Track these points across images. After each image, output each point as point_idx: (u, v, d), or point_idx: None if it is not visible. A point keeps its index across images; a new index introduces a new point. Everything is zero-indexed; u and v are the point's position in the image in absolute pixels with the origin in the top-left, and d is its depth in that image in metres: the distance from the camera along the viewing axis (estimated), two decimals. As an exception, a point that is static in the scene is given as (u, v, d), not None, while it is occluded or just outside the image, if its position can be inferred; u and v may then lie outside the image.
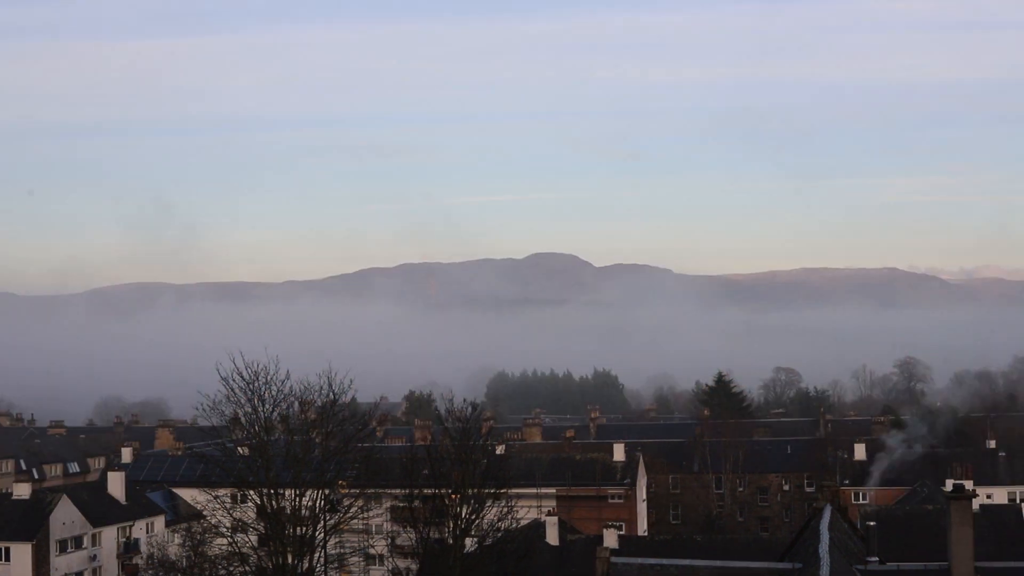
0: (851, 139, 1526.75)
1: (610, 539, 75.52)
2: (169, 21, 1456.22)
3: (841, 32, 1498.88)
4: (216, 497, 66.11)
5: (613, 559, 47.17)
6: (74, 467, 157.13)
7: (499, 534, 65.68)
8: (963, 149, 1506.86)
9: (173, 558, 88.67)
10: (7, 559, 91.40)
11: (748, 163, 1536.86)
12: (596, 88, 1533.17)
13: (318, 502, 64.88)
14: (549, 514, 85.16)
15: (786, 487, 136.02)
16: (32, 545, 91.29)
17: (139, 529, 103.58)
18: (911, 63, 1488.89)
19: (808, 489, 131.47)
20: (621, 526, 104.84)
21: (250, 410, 64.83)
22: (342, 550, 74.63)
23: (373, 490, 75.47)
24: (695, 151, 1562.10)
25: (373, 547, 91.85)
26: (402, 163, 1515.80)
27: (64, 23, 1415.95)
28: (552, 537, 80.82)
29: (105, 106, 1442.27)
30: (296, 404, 69.26)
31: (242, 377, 64.22)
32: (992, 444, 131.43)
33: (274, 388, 65.06)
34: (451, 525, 64.02)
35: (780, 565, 47.32)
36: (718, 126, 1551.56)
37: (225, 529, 65.71)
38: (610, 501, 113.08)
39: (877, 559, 49.84)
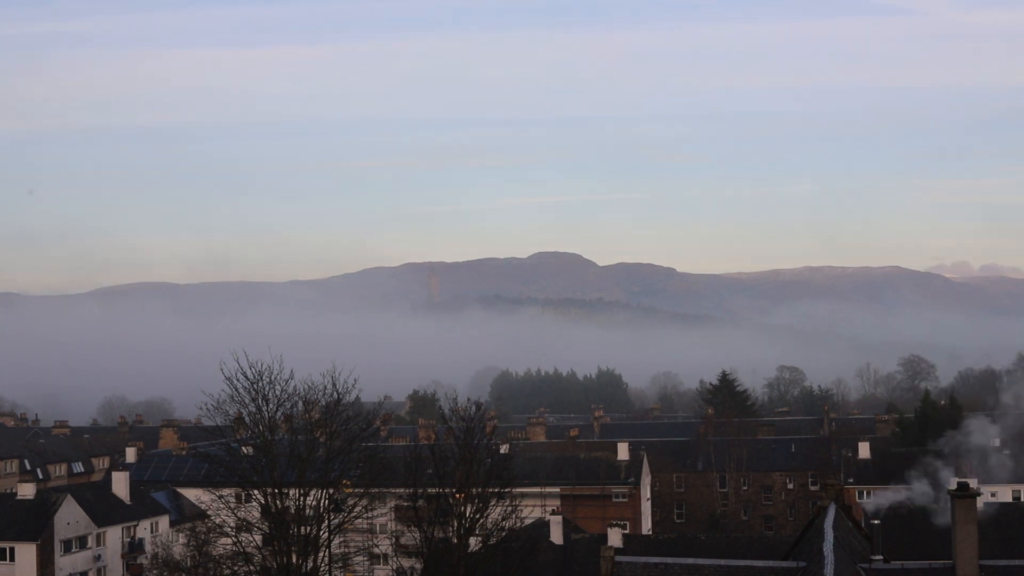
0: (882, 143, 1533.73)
1: (614, 538, 75.46)
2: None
3: (861, 42, 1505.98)
4: (220, 497, 66.16)
5: (618, 558, 47.11)
6: (78, 467, 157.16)
7: (503, 533, 65.67)
8: (984, 154, 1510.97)
9: (177, 558, 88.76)
10: (11, 559, 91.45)
11: (757, 165, 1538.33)
12: (612, 95, 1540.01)
13: (322, 502, 64.92)
14: (553, 513, 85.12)
15: (790, 486, 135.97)
16: (36, 545, 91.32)
17: (143, 529, 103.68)
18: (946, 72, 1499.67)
19: (812, 488, 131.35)
20: (625, 525, 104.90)
21: (254, 410, 64.88)
22: (346, 549, 74.76)
23: (377, 489, 75.49)
24: (702, 152, 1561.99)
25: (377, 546, 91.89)
26: (415, 166, 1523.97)
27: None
28: (556, 536, 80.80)
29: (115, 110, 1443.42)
30: (300, 404, 69.35)
31: (246, 377, 64.32)
32: (996, 442, 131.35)
33: (278, 388, 65.18)
34: (455, 524, 64.03)
35: (784, 564, 47.31)
36: (733, 129, 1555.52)
37: (229, 529, 65.77)
38: (614, 500, 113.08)
39: (881, 557, 49.83)
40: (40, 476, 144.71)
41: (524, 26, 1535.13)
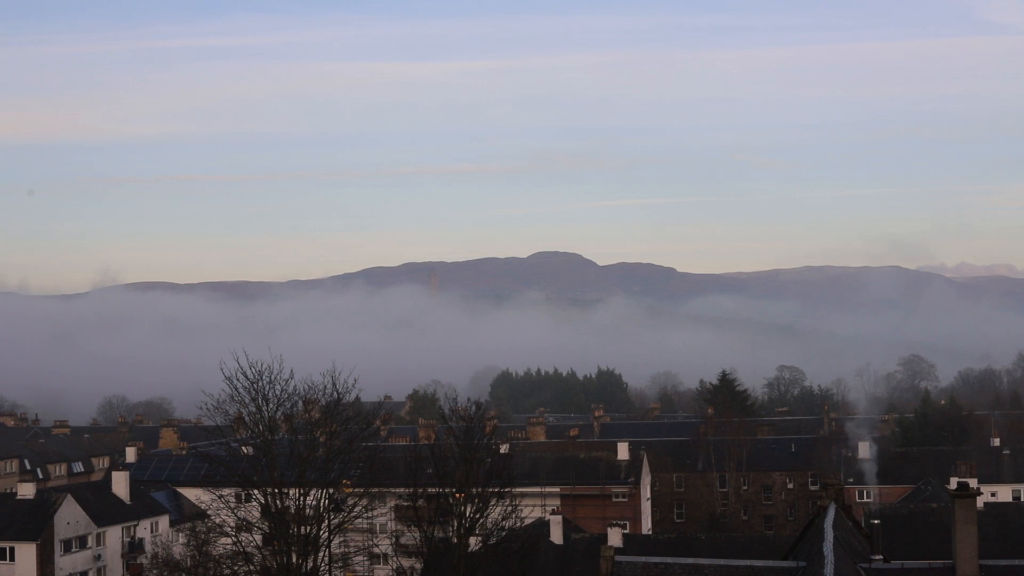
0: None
1: (614, 538, 75.44)
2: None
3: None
4: (220, 496, 66.17)
5: (617, 558, 47.14)
6: (78, 467, 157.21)
7: (503, 533, 65.68)
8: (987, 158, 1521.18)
9: (177, 558, 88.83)
10: (12, 559, 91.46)
11: (761, 168, 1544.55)
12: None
13: (322, 501, 64.93)
14: (553, 513, 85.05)
15: (790, 485, 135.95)
16: (36, 545, 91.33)
17: (143, 529, 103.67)
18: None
19: (812, 487, 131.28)
20: (625, 525, 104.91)
21: (254, 409, 64.89)
22: (346, 549, 74.71)
23: (377, 489, 75.49)
24: (702, 154, 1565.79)
25: (377, 546, 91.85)
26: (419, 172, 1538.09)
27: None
28: (556, 536, 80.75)
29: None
30: (300, 403, 69.36)
31: (246, 376, 64.33)
32: (996, 442, 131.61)
33: (278, 387, 65.19)
34: (455, 524, 64.04)
35: (784, 563, 47.33)
36: (740, 135, 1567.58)
37: (229, 528, 65.78)
38: (614, 500, 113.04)
39: (881, 557, 49.80)
40: (40, 476, 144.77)
41: (503, 52, 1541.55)
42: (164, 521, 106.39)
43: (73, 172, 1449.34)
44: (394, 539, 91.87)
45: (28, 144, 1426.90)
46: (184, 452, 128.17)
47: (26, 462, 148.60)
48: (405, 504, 71.56)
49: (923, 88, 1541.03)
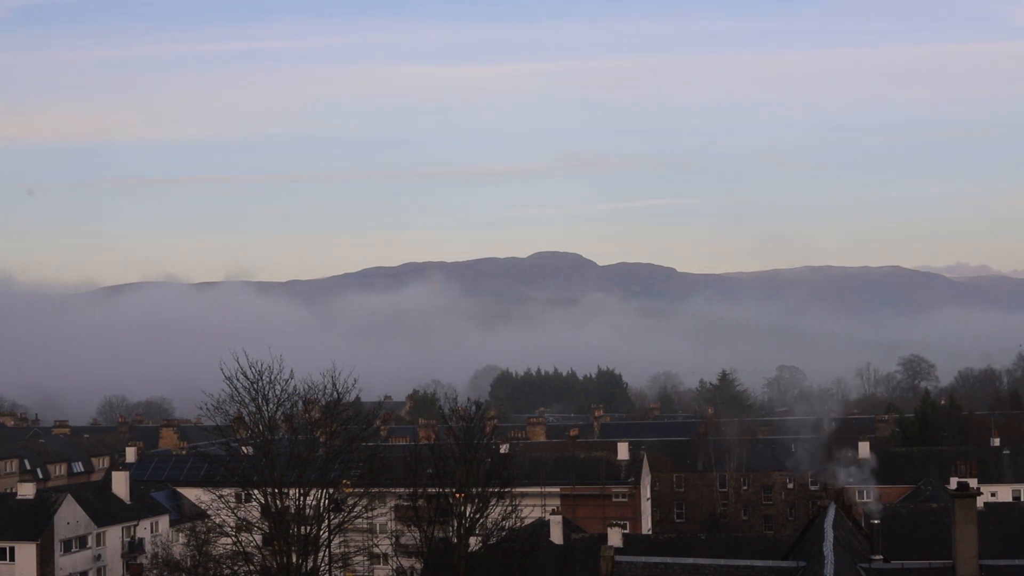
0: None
1: (614, 538, 75.44)
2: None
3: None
4: (220, 496, 66.18)
5: (617, 558, 47.16)
6: (78, 467, 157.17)
7: (503, 533, 65.68)
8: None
9: (177, 558, 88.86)
10: (11, 559, 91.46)
11: (757, 168, 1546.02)
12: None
13: (322, 501, 64.94)
14: (553, 513, 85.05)
15: (790, 485, 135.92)
16: (36, 545, 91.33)
17: (143, 529, 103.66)
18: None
19: (812, 487, 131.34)
20: (625, 525, 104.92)
21: (254, 409, 64.91)
22: (346, 549, 74.71)
23: (377, 489, 75.48)
24: (703, 154, 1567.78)
25: (377, 546, 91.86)
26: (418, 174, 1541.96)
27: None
28: (556, 536, 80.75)
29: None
30: (300, 403, 69.37)
31: (246, 376, 64.34)
32: (996, 442, 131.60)
33: (278, 387, 65.22)
34: (455, 524, 64.04)
35: (785, 563, 47.35)
36: (735, 137, 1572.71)
37: (229, 528, 65.80)
38: (614, 500, 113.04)
39: (881, 557, 49.81)
40: (40, 476, 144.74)
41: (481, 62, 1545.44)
42: (164, 521, 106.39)
43: (94, 173, 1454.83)
44: (394, 539, 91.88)
45: (43, 145, 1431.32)
46: (184, 452, 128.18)
47: (26, 462, 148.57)
48: (405, 504, 71.53)
49: (947, 91, 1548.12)
